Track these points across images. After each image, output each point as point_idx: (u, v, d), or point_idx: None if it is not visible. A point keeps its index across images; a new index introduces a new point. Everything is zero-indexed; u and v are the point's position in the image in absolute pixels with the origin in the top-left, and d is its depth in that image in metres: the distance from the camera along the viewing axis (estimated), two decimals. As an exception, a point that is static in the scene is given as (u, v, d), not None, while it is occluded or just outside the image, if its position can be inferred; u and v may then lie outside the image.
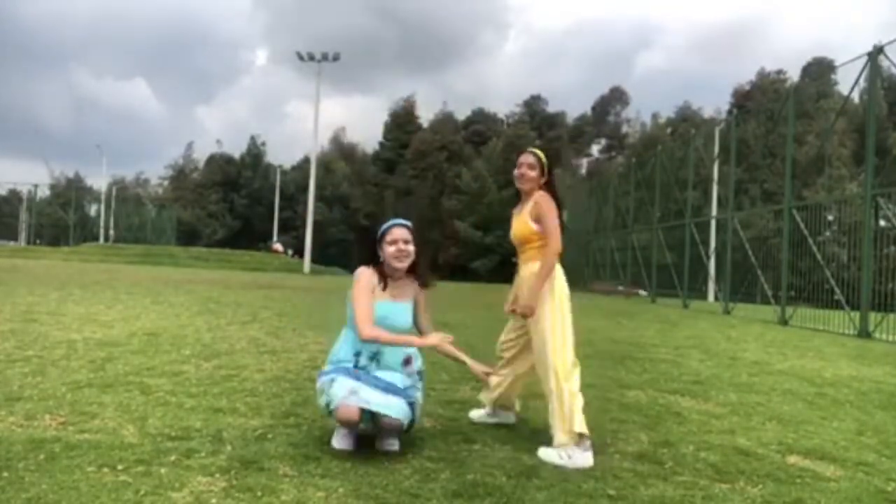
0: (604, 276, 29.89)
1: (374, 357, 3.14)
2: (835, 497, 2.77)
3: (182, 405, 3.73)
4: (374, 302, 3.15)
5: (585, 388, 4.92)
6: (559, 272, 3.36)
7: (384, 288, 3.21)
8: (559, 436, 3.11)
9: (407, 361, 3.21)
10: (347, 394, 2.95)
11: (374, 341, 3.10)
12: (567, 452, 3.03)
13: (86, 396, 3.84)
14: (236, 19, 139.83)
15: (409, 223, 3.27)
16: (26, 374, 4.38)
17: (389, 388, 3.04)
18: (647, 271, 24.42)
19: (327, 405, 3.03)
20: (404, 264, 3.21)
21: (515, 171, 3.48)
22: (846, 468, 3.20)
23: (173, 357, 5.39)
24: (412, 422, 3.10)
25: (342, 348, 3.19)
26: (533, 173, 3.43)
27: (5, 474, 2.51)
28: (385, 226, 3.25)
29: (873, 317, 12.25)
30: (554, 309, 3.27)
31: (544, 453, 3.09)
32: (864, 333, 12.02)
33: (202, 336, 6.78)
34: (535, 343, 3.33)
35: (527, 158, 3.44)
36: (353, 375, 3.08)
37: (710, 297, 23.58)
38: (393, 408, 2.96)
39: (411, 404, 3.07)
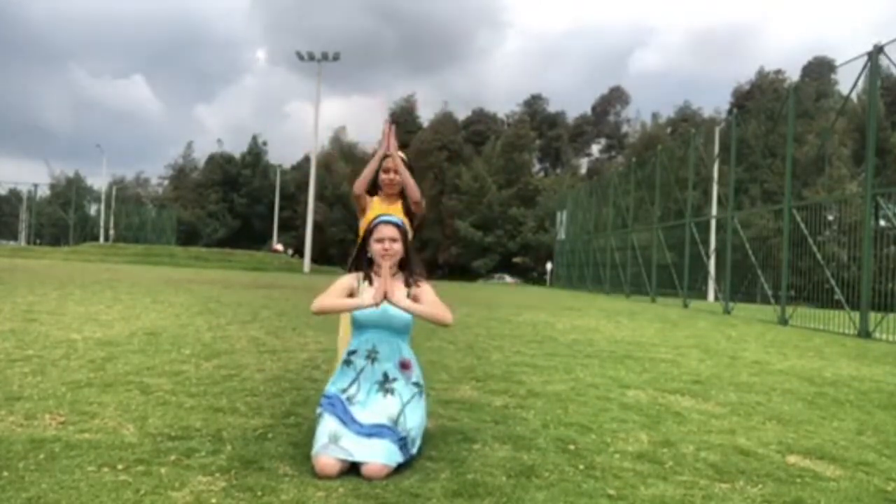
0: (604, 276, 29.93)
1: (370, 356, 3.05)
2: (835, 497, 2.76)
3: (182, 405, 3.73)
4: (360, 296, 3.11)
5: (586, 387, 4.97)
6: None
7: (370, 283, 3.14)
8: None
9: (404, 365, 3.08)
10: (327, 441, 2.77)
11: (321, 312, 3.08)
12: None
13: (86, 396, 3.84)
14: (236, 19, 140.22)
15: (397, 220, 3.22)
16: (26, 374, 4.38)
17: (375, 433, 2.83)
18: (647, 271, 24.44)
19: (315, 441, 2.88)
20: (389, 263, 3.15)
21: (384, 177, 3.80)
22: (846, 468, 3.20)
23: (173, 357, 5.39)
24: (410, 457, 2.87)
25: (341, 368, 3.10)
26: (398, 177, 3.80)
27: (5, 474, 2.51)
28: (374, 221, 3.20)
29: (873, 317, 12.25)
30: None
31: None
32: (863, 333, 12.01)
33: (202, 335, 6.79)
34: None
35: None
36: (342, 413, 2.91)
37: (710, 296, 23.60)
38: (378, 453, 2.74)
39: (403, 438, 2.86)
